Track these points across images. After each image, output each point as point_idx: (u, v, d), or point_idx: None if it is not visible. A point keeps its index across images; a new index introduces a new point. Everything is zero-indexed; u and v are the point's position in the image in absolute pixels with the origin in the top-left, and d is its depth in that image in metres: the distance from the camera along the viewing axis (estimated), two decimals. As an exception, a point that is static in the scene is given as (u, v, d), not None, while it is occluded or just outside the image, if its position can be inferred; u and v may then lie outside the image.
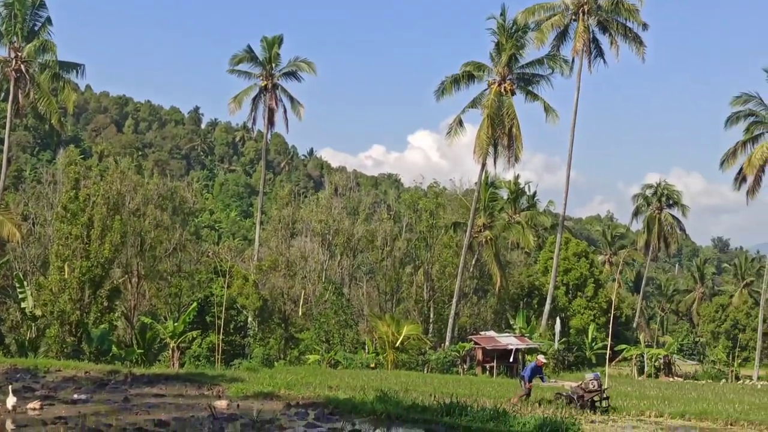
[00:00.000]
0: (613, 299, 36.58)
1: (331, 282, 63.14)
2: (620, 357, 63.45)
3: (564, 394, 24.28)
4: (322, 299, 62.11)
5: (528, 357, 54.79)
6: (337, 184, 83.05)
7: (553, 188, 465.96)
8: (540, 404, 24.29)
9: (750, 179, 64.71)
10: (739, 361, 76.03)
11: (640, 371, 60.65)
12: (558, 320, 61.89)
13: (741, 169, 65.13)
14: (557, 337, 59.92)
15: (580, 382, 25.08)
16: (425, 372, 49.50)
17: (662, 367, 62.46)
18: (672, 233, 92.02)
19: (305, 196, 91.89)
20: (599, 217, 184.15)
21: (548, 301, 63.22)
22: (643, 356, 61.99)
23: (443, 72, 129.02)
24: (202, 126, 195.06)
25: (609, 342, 44.55)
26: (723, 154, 66.50)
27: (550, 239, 76.18)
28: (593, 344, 63.68)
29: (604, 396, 24.32)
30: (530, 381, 25.29)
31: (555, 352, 57.07)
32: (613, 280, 66.67)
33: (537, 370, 25.45)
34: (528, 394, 24.95)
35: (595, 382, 24.06)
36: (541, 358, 26.53)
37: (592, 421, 21.28)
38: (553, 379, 29.44)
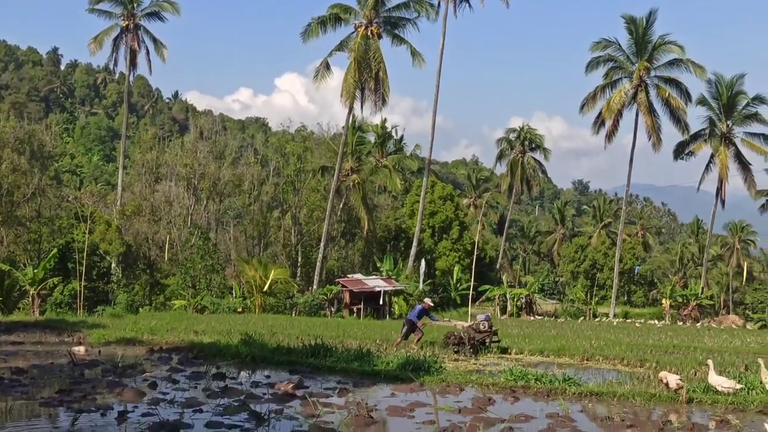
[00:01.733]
0: (476, 241, 37.28)
1: (197, 227, 62.34)
2: (484, 297, 65.02)
3: (455, 334, 24.31)
4: (188, 244, 61.32)
5: (395, 299, 55.69)
6: (203, 127, 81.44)
7: (421, 132, 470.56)
8: (432, 345, 24.51)
9: (608, 123, 66.67)
10: (597, 299, 78.84)
11: (503, 311, 62.37)
12: (423, 262, 62.84)
13: (600, 113, 66.98)
14: (422, 279, 60.92)
15: (471, 323, 25.08)
16: (293, 315, 49.61)
17: (524, 306, 64.38)
18: (534, 176, 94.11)
19: (170, 140, 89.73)
20: (465, 160, 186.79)
21: (414, 243, 64.05)
22: (505, 296, 63.68)
23: (311, 13, 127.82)
24: (62, 67, 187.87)
25: (472, 283, 45.66)
26: (583, 99, 68.27)
27: (417, 183, 77.00)
28: (458, 285, 64.98)
29: (495, 339, 24.53)
30: (418, 322, 25.22)
31: (421, 293, 58.05)
32: (478, 222, 67.94)
33: (423, 313, 25.47)
34: (407, 337, 24.89)
35: (486, 323, 24.07)
36: (428, 300, 26.52)
37: (456, 360, 21.76)
38: (446, 318, 29.52)
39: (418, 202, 66.30)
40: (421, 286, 59.21)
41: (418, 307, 25.79)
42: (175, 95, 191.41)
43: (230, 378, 16.43)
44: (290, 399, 13.75)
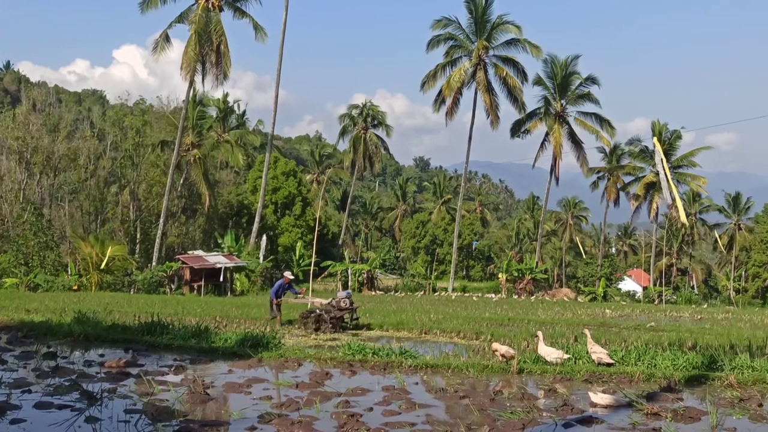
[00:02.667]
0: (318, 217, 37.33)
1: (30, 202, 60.14)
2: (326, 273, 65.26)
3: (313, 312, 24.02)
4: (21, 221, 59.04)
5: (236, 275, 55.23)
6: (36, 99, 78.41)
7: (264, 107, 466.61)
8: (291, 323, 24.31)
9: (448, 101, 67.86)
10: (436, 274, 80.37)
11: (345, 286, 62.76)
12: (265, 238, 62.57)
13: (440, 91, 68.09)
14: (264, 255, 60.67)
15: (331, 299, 24.78)
16: (131, 293, 48.62)
17: (365, 281, 64.99)
18: (376, 153, 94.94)
19: (0, 112, 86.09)
20: (308, 136, 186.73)
21: (257, 219, 63.61)
22: (347, 271, 64.09)
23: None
24: None
25: (314, 258, 45.70)
26: (424, 77, 69.18)
27: (260, 158, 76.43)
28: (301, 261, 64.95)
29: (354, 317, 24.39)
30: (279, 298, 24.90)
31: (263, 270, 57.82)
32: (320, 198, 68.09)
33: (284, 287, 25.15)
34: (278, 312, 24.59)
35: (347, 300, 23.94)
36: (288, 274, 26.14)
37: (294, 336, 21.78)
38: (302, 290, 29.16)
39: (261, 177, 65.79)
40: (262, 261, 58.95)
41: (279, 281, 25.49)
42: (7, 66, 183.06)
43: (62, 357, 15.93)
44: (124, 377, 13.46)
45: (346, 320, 23.93)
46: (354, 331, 23.22)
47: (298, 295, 28.02)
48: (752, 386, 14.02)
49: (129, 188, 67.32)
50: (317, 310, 23.86)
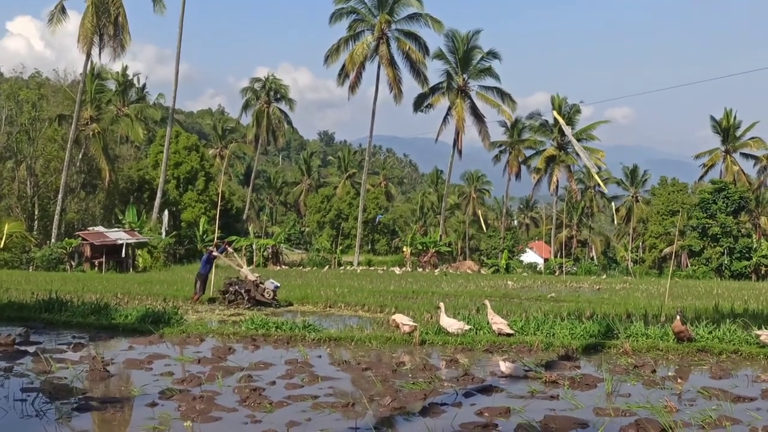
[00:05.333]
0: (220, 191, 36.97)
1: None
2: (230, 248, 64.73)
3: (238, 284, 23.35)
4: None
5: (138, 251, 54.39)
6: (-75, 71, 75.61)
7: (165, 81, 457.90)
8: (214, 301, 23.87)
9: (352, 75, 67.74)
10: (342, 248, 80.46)
11: (250, 261, 62.41)
12: (167, 213, 61.74)
13: (344, 65, 67.90)
14: (166, 230, 59.90)
15: (257, 278, 23.82)
16: (30, 270, 47.56)
17: (270, 256, 64.79)
18: (280, 127, 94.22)
19: None
20: (211, 110, 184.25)
21: (159, 195, 62.62)
22: (252, 246, 63.74)
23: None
24: None
25: (217, 234, 45.28)
26: (327, 51, 68.85)
27: (161, 132, 75.20)
28: (204, 236, 64.27)
29: (274, 297, 23.65)
30: (208, 271, 24.37)
31: (165, 245, 57.08)
32: (223, 172, 67.40)
33: (211, 259, 24.67)
34: (204, 290, 24.05)
35: (272, 293, 23.33)
36: (212, 248, 25.70)
37: (197, 311, 21.61)
38: (233, 253, 28.30)
39: (162, 152, 64.72)
40: (164, 237, 58.19)
41: (205, 256, 25.02)
42: None
43: (-46, 337, 15.51)
44: (21, 356, 13.19)
45: (259, 300, 23.38)
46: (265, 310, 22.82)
47: (230, 253, 27.44)
48: (646, 353, 14.47)
49: (26, 163, 65.46)
50: (237, 285, 23.46)
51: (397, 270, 55.66)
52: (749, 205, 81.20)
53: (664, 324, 16.86)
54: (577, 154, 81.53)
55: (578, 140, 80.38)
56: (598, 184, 54.82)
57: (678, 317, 15.14)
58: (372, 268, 60.78)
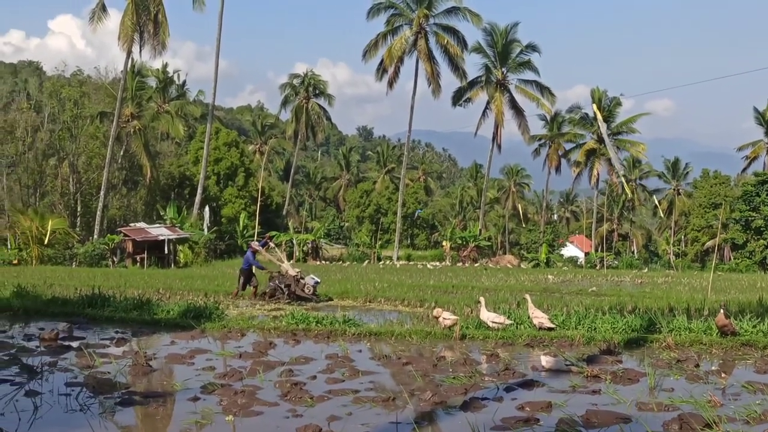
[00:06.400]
0: (261, 187, 37.16)
1: (-33, 177, 59.01)
2: (271, 244, 65.02)
3: (282, 277, 23.35)
4: (-43, 195, 57.94)
5: (180, 247, 54.80)
6: (-30, 71, 76.80)
7: (205, 77, 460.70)
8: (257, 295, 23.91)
9: (390, 70, 67.72)
10: (381, 243, 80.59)
11: (290, 256, 62.63)
12: (208, 209, 62.13)
13: (382, 60, 67.89)
14: (207, 226, 60.29)
15: (298, 273, 23.79)
16: (73, 266, 48.11)
17: (310, 251, 65.00)
18: (319, 122, 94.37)
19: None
20: (250, 106, 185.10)
21: (199, 191, 63.04)
22: (292, 242, 63.98)
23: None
24: None
25: (257, 229, 45.56)
26: (366, 46, 68.88)
27: (201, 129, 75.73)
28: (245, 232, 64.63)
29: (314, 292, 23.58)
30: (259, 268, 24.35)
31: (206, 241, 57.45)
32: (263, 168, 67.67)
33: (254, 256, 24.61)
34: (245, 287, 24.06)
35: (312, 289, 23.29)
36: (254, 244, 25.59)
37: (237, 306, 21.71)
38: (273, 247, 27.82)
39: (203, 148, 65.13)
40: (205, 233, 58.59)
41: (249, 252, 24.92)
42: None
43: (0, 332, 15.73)
44: (65, 351, 13.34)
45: (300, 295, 23.33)
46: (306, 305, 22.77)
47: (263, 270, 27.48)
48: (689, 347, 14.32)
49: (68, 161, 66.22)
50: (278, 280, 23.50)
51: (437, 264, 55.66)
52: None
53: (707, 318, 16.66)
54: (618, 147, 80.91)
55: (618, 133, 79.89)
56: (623, 187, 54.32)
57: (722, 311, 14.96)
58: (411, 262, 60.77)
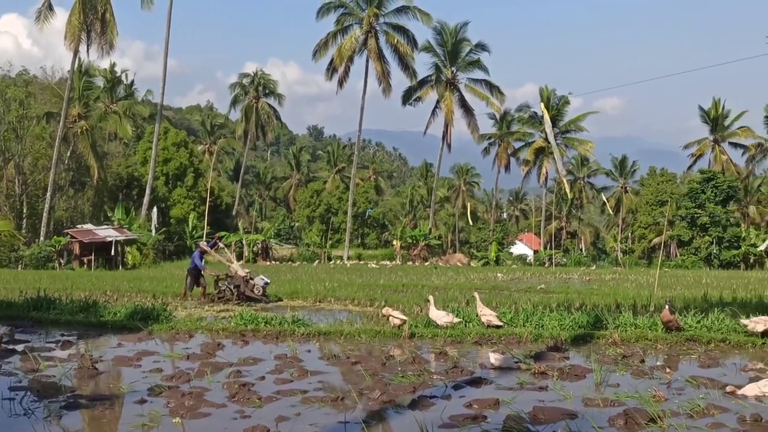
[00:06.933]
0: (209, 187, 36.95)
1: None
2: (221, 244, 64.60)
3: (230, 278, 23.23)
4: None
5: (128, 248, 54.26)
6: None
7: (154, 77, 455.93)
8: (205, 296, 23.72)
9: (340, 69, 67.66)
10: (332, 242, 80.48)
11: (239, 257, 62.32)
12: (156, 210, 61.60)
13: (332, 59, 67.81)
14: (155, 227, 59.79)
15: (248, 274, 23.64)
16: (18, 269, 47.45)
17: (260, 251, 64.72)
18: (269, 122, 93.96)
19: None
20: (199, 106, 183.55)
21: (148, 192, 62.49)
22: (242, 242, 63.66)
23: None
24: None
25: (207, 230, 45.28)
26: (316, 45, 68.76)
27: (149, 129, 75.05)
28: (194, 233, 64.12)
29: (264, 293, 23.44)
30: (203, 270, 24.11)
31: (155, 242, 56.98)
32: (212, 168, 67.25)
33: (202, 256, 24.38)
34: (192, 288, 23.86)
35: (262, 290, 23.18)
36: (203, 244, 25.43)
37: (186, 308, 21.56)
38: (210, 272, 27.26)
39: (151, 149, 64.60)
40: (154, 234, 58.10)
41: (196, 252, 24.68)
42: None
43: (-58, 337, 15.46)
44: (9, 355, 13.15)
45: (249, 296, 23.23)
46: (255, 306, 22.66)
47: (220, 248, 27.08)
48: (635, 343, 14.52)
49: (13, 162, 65.19)
50: (226, 281, 23.42)
51: (387, 264, 55.76)
52: (738, 195, 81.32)
53: (653, 314, 16.91)
54: (566, 146, 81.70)
55: (567, 131, 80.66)
56: (565, 187, 54.92)
57: (667, 307, 15.21)
58: (362, 262, 60.81)
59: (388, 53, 67.82)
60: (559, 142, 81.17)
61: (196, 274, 24.10)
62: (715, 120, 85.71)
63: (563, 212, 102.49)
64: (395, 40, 67.02)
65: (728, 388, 9.93)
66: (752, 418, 8.50)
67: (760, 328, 14.50)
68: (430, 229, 75.53)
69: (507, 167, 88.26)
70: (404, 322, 15.45)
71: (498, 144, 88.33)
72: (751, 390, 9.78)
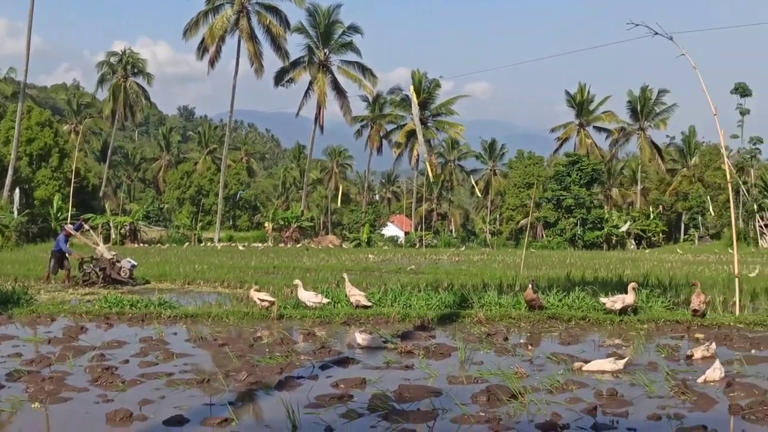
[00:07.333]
0: (75, 168, 35.98)
1: None
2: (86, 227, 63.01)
3: (95, 260, 22.67)
4: None
5: None
6: None
7: (18, 54, 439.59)
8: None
9: (212, 49, 66.84)
10: (202, 224, 79.55)
11: (107, 239, 60.90)
12: (18, 191, 59.59)
13: (203, 39, 66.88)
14: (17, 209, 57.87)
15: (114, 256, 23.10)
16: None
17: (128, 234, 63.43)
18: (138, 101, 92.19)
19: None
20: (65, 85, 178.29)
21: (10, 172, 60.24)
22: (109, 224, 62.24)
23: None
24: None
25: (72, 212, 44.06)
26: (186, 24, 67.65)
27: (12, 108, 72.48)
28: (59, 215, 62.21)
29: (131, 276, 22.99)
30: (67, 253, 23.45)
31: (18, 225, 55.13)
32: (79, 149, 65.38)
33: (68, 238, 23.74)
34: (56, 271, 23.23)
35: (128, 272, 22.71)
36: (68, 227, 24.56)
37: (49, 291, 21.00)
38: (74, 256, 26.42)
39: (14, 128, 62.32)
40: (16, 216, 56.21)
41: (61, 235, 23.98)
42: None
43: None
44: None
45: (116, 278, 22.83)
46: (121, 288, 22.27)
47: (85, 231, 26.44)
48: (499, 321, 14.88)
49: None
50: (91, 264, 22.96)
51: (259, 245, 55.49)
52: (601, 178, 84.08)
53: (517, 293, 17.35)
54: (437, 129, 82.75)
55: (438, 114, 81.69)
56: (429, 170, 55.84)
57: (530, 286, 15.63)
58: (233, 244, 60.32)
59: (260, 33, 67.42)
60: (430, 125, 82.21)
61: (60, 257, 23.51)
62: (581, 105, 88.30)
63: (434, 194, 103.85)
64: (267, 21, 66.56)
65: (575, 365, 10.27)
66: (608, 393, 8.81)
67: (618, 306, 15.06)
68: (303, 211, 75.47)
69: (379, 149, 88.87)
70: (273, 303, 15.44)
71: (370, 126, 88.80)
72: (594, 366, 10.16)
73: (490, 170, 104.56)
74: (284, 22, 67.84)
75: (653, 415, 7.81)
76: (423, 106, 76.97)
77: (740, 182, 67.33)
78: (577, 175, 71.73)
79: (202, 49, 67.03)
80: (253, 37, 66.58)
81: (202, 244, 59.68)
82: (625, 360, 10.22)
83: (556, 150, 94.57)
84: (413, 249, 57.91)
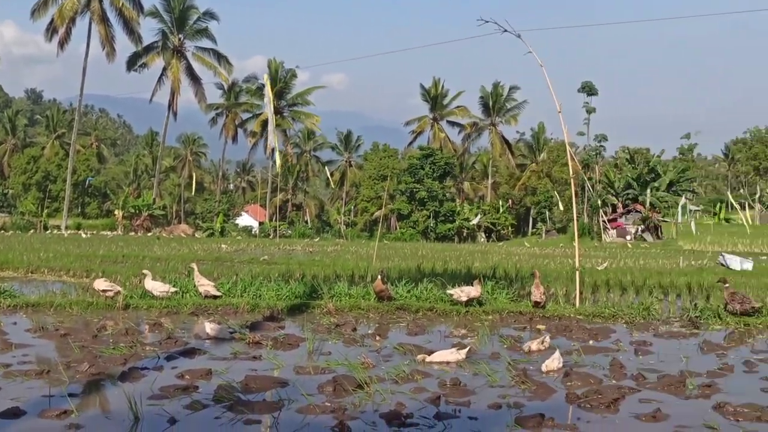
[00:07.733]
0: None
1: None
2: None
3: None
4: None
5: None
6: None
7: None
8: None
9: (61, 31, 64.90)
10: (49, 211, 77.26)
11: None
12: None
13: (53, 19, 64.80)
14: None
15: None
16: None
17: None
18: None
19: None
20: None
21: None
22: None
23: None
24: None
25: None
26: (35, 4, 65.35)
27: None
28: None
29: None
30: None
31: None
32: None
33: None
34: None
35: None
36: None
37: None
38: None
39: None
40: None
41: None
42: None
43: None
44: None
45: None
46: None
47: None
48: (348, 312, 15.01)
49: None
50: None
51: (108, 234, 54.21)
52: (454, 171, 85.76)
53: (368, 284, 17.53)
54: (293, 119, 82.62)
55: (294, 104, 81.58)
56: (276, 161, 56.19)
57: (380, 277, 15.81)
58: (81, 232, 58.76)
59: (112, 16, 65.86)
60: (286, 115, 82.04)
61: None
62: (435, 99, 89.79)
63: (289, 185, 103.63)
64: (120, 3, 65.08)
65: (419, 357, 10.46)
66: (452, 382, 9.01)
67: (464, 297, 15.42)
68: (155, 199, 74.16)
69: (234, 138, 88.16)
70: (118, 293, 15.14)
71: (225, 114, 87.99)
72: (438, 357, 10.39)
73: (346, 162, 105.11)
74: (138, 5, 66.51)
75: (494, 404, 8.03)
76: (279, 95, 76.75)
77: (585, 178, 69.84)
78: (430, 168, 72.89)
79: (51, 30, 64.96)
80: (104, 20, 64.94)
81: (48, 232, 57.92)
82: (466, 349, 10.47)
83: (411, 143, 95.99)
84: (267, 239, 57.69)
